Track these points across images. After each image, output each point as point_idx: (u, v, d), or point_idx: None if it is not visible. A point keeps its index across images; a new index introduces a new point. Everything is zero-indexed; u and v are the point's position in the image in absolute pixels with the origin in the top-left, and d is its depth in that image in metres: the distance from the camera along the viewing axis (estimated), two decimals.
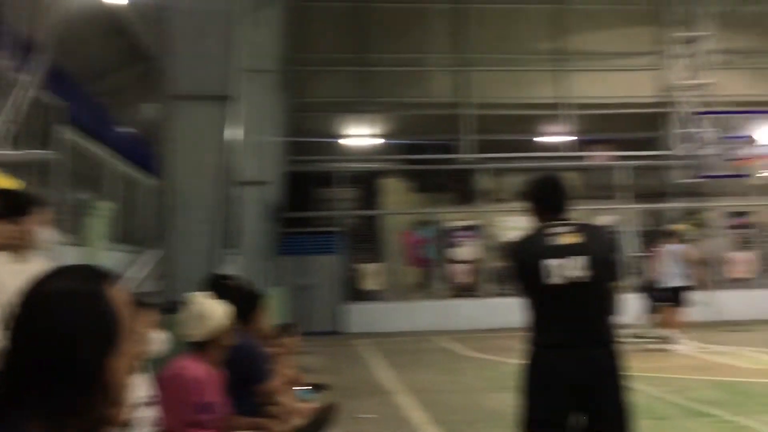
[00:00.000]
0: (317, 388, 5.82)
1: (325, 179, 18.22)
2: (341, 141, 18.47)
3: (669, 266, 12.38)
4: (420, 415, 7.30)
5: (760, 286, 17.65)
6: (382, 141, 18.44)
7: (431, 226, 17.41)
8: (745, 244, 17.94)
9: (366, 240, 17.88)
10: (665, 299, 12.57)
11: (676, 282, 12.26)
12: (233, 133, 7.82)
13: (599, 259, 3.23)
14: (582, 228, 3.33)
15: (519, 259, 3.35)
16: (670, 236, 12.86)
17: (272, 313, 5.96)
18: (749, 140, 15.79)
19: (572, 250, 3.20)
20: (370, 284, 17.24)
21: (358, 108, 17.66)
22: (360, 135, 18.07)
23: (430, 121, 18.20)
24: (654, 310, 13.30)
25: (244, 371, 4.09)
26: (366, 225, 18.46)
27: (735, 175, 16.23)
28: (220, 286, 4.41)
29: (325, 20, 17.89)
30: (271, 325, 5.05)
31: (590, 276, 3.18)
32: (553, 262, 3.18)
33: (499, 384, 8.96)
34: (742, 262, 17.55)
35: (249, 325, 4.45)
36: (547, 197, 3.45)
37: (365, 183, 19.26)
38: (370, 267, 17.38)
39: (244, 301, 4.44)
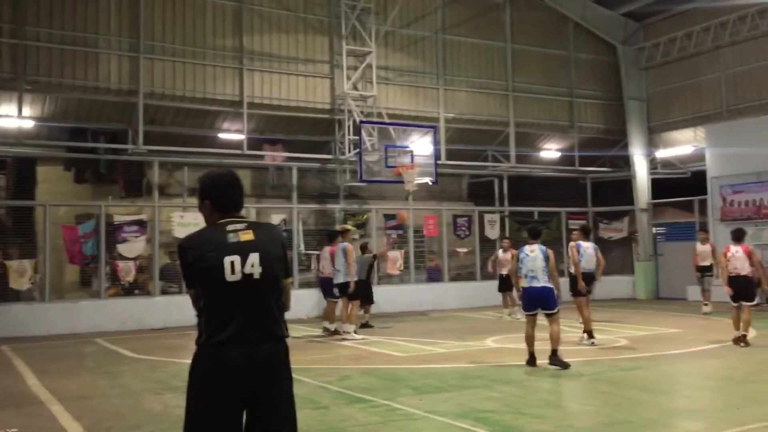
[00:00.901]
0: None
1: None
2: None
3: (339, 263, 13.19)
4: (75, 425, 6.70)
5: (409, 281, 19.74)
6: (39, 124, 16.55)
7: (95, 220, 16.08)
8: (398, 244, 19.86)
9: (17, 233, 15.93)
10: (337, 294, 13.37)
11: (344, 278, 13.11)
12: None
13: (272, 256, 3.30)
14: (255, 225, 3.36)
15: (197, 255, 3.25)
16: (340, 235, 13.73)
17: None
18: (406, 150, 17.49)
19: (248, 248, 3.24)
20: (20, 283, 15.37)
21: (10, 85, 15.60)
22: (12, 116, 15.94)
23: (98, 107, 16.86)
24: (327, 305, 14.06)
25: None
26: (17, 216, 16.44)
27: (393, 181, 17.86)
28: None
29: None
30: None
31: (263, 272, 3.24)
32: (231, 259, 3.19)
33: (164, 385, 8.65)
34: (395, 259, 19.40)
35: None
36: (222, 194, 3.41)
37: (17, 169, 17.21)
38: (21, 264, 15.48)
39: None
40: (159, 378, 9.22)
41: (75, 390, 8.55)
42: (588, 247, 12.17)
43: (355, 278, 13.13)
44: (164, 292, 16.57)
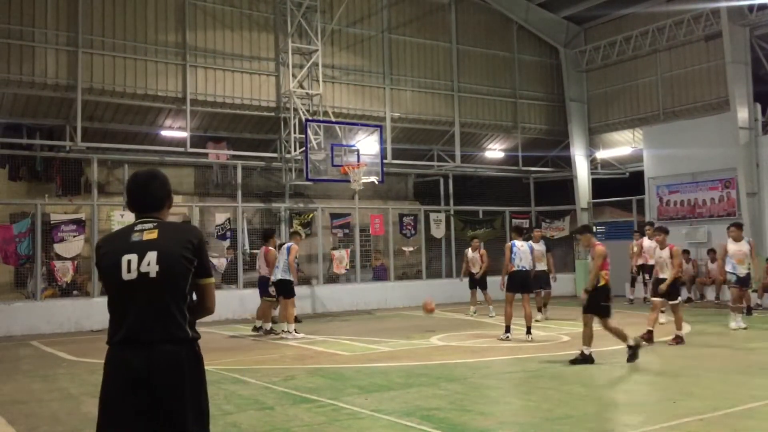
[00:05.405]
0: None
1: None
2: None
3: (280, 260, 13.10)
4: (10, 430, 6.47)
5: (354, 280, 19.71)
6: None
7: (30, 219, 15.55)
8: (344, 243, 19.82)
9: None
10: (276, 293, 13.27)
11: (281, 275, 13.02)
12: None
13: (173, 254, 3.22)
14: (163, 225, 3.32)
15: (102, 254, 3.29)
16: (290, 234, 13.66)
17: None
18: (352, 149, 17.46)
19: (147, 246, 3.21)
20: None
21: None
22: None
23: (34, 102, 16.32)
24: (261, 303, 13.91)
25: None
26: None
27: (339, 180, 17.82)
28: None
29: None
30: None
31: (160, 271, 3.17)
32: (129, 258, 3.18)
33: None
34: (341, 258, 19.35)
35: None
36: (133, 195, 3.43)
37: None
38: None
39: None
40: (98, 381, 8.90)
41: (9, 394, 8.26)
42: (522, 245, 12.26)
43: (288, 277, 13.04)
44: (103, 293, 16.12)
